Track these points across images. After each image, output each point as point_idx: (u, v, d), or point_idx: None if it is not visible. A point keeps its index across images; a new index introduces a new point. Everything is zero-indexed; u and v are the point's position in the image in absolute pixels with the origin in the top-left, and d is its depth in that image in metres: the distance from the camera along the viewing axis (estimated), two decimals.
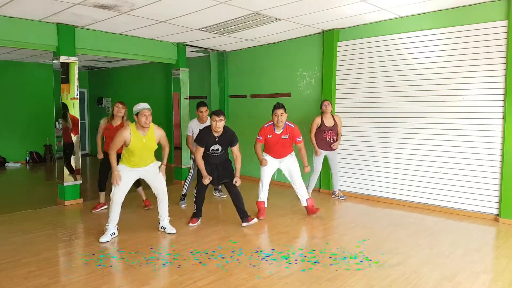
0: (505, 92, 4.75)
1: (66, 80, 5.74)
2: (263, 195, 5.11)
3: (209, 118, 5.44)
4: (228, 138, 4.64)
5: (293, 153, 5.15)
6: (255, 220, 4.80)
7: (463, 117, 5.13)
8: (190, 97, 7.68)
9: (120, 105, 5.25)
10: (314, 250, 3.95)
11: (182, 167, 7.50)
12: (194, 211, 4.81)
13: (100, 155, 5.35)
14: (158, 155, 4.43)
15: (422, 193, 5.54)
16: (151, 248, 4.00)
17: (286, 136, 4.94)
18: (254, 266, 3.56)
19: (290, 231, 4.57)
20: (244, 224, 4.71)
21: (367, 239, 4.24)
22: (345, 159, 6.31)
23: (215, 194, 6.34)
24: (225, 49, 7.98)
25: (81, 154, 6.23)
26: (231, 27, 5.97)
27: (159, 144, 4.38)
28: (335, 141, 5.86)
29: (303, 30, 6.31)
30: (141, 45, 6.84)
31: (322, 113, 5.84)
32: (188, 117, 7.48)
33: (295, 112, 6.91)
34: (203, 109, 5.57)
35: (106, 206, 5.39)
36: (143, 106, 4.10)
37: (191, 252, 3.88)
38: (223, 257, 3.75)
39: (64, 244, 4.16)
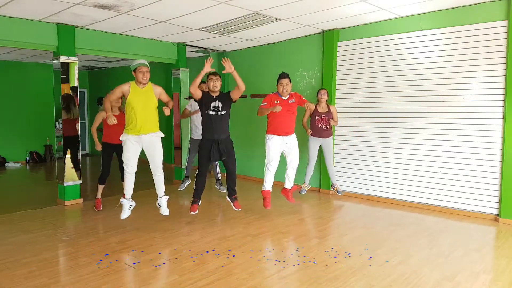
0: (505, 92, 4.75)
1: (66, 80, 5.74)
2: (269, 183, 5.07)
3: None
4: (226, 94, 4.72)
5: (294, 134, 5.12)
6: (238, 209, 4.92)
7: (463, 117, 5.13)
8: (190, 97, 7.67)
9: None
10: (314, 250, 3.95)
11: (182, 167, 7.50)
12: (194, 194, 4.84)
13: (99, 146, 5.33)
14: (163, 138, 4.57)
15: (422, 193, 5.54)
16: (151, 247, 4.00)
17: (293, 100, 4.97)
18: (254, 266, 3.56)
19: (290, 231, 4.57)
20: (228, 200, 4.96)
21: (367, 239, 4.25)
22: (345, 159, 6.31)
23: (216, 186, 6.45)
24: (225, 49, 7.98)
25: (81, 154, 6.22)
26: (231, 27, 5.97)
27: (160, 109, 4.39)
28: (328, 129, 5.88)
29: (303, 30, 6.31)
30: (141, 45, 6.84)
31: (317, 102, 5.93)
32: (188, 116, 7.47)
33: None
34: (204, 85, 5.51)
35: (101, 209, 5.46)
36: (139, 62, 4.20)
37: (192, 252, 3.88)
38: (223, 257, 3.75)
39: (64, 244, 4.16)
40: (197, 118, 5.77)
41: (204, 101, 4.64)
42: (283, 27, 6.05)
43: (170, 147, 8.22)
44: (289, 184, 5.22)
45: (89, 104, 12.22)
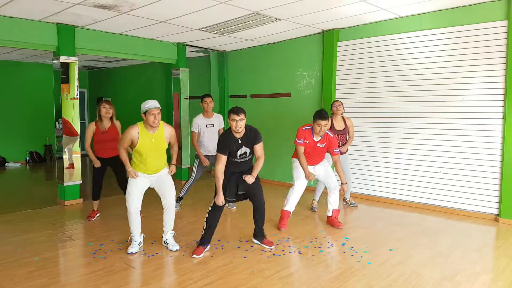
0: (505, 92, 4.75)
1: (66, 80, 5.74)
2: (291, 205, 4.68)
3: (215, 115, 5.32)
4: (253, 136, 3.82)
5: (325, 160, 4.78)
6: (271, 247, 4.02)
7: (463, 117, 5.13)
8: (190, 97, 7.68)
9: (107, 106, 4.81)
10: (314, 250, 3.95)
11: (182, 167, 7.51)
12: (203, 234, 3.89)
13: (97, 164, 4.87)
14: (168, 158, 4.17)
15: (422, 193, 5.54)
16: (151, 247, 4.00)
17: (323, 145, 4.54)
18: (254, 266, 3.56)
19: (290, 231, 4.57)
20: (255, 241, 4.13)
21: (367, 239, 4.25)
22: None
23: (227, 207, 5.59)
24: (225, 49, 7.98)
25: (81, 154, 6.22)
26: (231, 27, 5.97)
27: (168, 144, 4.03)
28: (345, 144, 5.43)
29: (303, 30, 6.31)
30: (141, 45, 6.84)
31: (332, 115, 5.33)
32: (188, 117, 7.48)
33: (295, 112, 6.92)
34: (208, 99, 5.25)
35: (99, 214, 5.14)
36: (151, 104, 3.66)
37: (192, 252, 3.88)
38: (223, 257, 3.75)
39: (64, 244, 4.16)
40: (203, 137, 5.29)
41: (228, 147, 3.75)
42: (283, 27, 6.05)
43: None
44: (331, 211, 4.78)
45: (89, 104, 12.22)
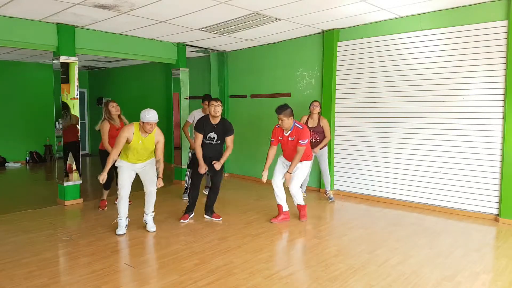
0: (505, 92, 4.75)
1: (66, 80, 5.74)
2: (279, 198, 4.92)
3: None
4: (225, 127, 4.76)
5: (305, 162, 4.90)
6: (219, 218, 4.95)
7: (463, 117, 5.13)
8: (190, 97, 7.68)
9: (115, 104, 5.23)
10: (314, 250, 3.95)
11: (182, 167, 7.50)
12: (188, 204, 4.94)
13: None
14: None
15: (422, 193, 5.54)
16: (151, 247, 4.01)
17: (293, 138, 4.75)
18: (254, 266, 3.56)
19: (290, 231, 4.57)
20: (206, 217, 5.02)
21: (367, 239, 4.25)
22: (345, 159, 6.31)
23: (204, 192, 6.17)
24: (225, 49, 7.98)
25: (81, 154, 6.22)
26: (231, 27, 5.97)
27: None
28: (318, 142, 5.74)
29: (303, 30, 6.31)
30: (141, 45, 6.84)
31: (310, 113, 5.79)
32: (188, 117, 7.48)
33: (295, 112, 6.88)
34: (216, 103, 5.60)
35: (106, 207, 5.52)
36: (151, 116, 4.07)
37: (192, 252, 3.88)
38: (223, 257, 3.75)
39: (64, 244, 4.16)
40: None
41: (203, 128, 4.75)
42: (283, 27, 6.05)
43: (170, 147, 8.23)
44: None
45: (89, 104, 12.23)
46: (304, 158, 4.82)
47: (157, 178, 4.39)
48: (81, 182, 6.02)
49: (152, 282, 3.25)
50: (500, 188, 4.86)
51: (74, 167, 5.88)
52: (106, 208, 5.49)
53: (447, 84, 5.23)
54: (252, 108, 7.76)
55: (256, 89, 7.68)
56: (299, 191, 4.90)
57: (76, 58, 5.84)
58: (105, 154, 5.16)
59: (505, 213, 4.82)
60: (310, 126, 5.69)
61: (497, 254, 3.98)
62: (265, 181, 4.84)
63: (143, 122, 4.10)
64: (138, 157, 4.33)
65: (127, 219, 4.52)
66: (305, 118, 5.79)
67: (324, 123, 5.75)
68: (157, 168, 4.42)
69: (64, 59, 5.70)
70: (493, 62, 4.86)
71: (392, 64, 5.71)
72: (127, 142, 4.20)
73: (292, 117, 4.71)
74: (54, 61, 5.84)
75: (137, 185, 4.67)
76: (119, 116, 5.26)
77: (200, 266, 3.55)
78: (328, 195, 6.01)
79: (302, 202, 4.95)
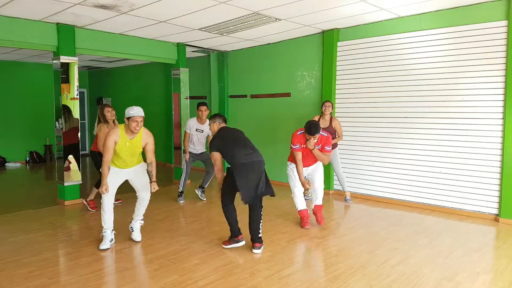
0: (505, 92, 4.75)
1: (66, 80, 5.74)
2: (301, 204, 4.72)
3: (207, 121, 5.51)
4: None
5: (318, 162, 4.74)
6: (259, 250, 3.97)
7: (463, 117, 5.13)
8: (190, 97, 7.68)
9: (111, 109, 5.18)
10: (314, 250, 3.95)
11: (182, 167, 7.49)
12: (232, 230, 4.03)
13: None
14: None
15: (422, 193, 5.54)
16: (151, 247, 4.00)
17: (319, 146, 4.54)
18: (254, 266, 3.56)
19: (290, 231, 4.57)
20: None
21: (367, 239, 4.25)
22: (345, 159, 6.31)
23: (196, 191, 6.17)
24: (225, 49, 7.98)
25: (81, 154, 6.22)
26: (231, 27, 5.97)
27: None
28: None
29: (303, 30, 6.31)
30: (141, 45, 6.84)
31: (322, 114, 5.73)
32: (188, 117, 7.47)
33: (295, 112, 6.92)
34: (203, 108, 5.73)
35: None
36: (135, 111, 3.77)
37: (191, 252, 3.88)
38: (223, 257, 3.75)
39: (64, 244, 4.16)
40: (193, 138, 5.87)
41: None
42: (283, 27, 6.05)
43: (170, 147, 8.24)
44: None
45: (89, 104, 12.23)
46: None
47: (151, 182, 4.05)
48: (81, 182, 6.02)
49: (152, 282, 3.25)
50: (500, 188, 4.86)
51: (74, 167, 5.88)
52: (97, 209, 5.26)
53: (447, 84, 5.24)
54: (252, 108, 7.76)
55: (256, 89, 7.68)
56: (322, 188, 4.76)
57: (76, 58, 5.84)
58: (96, 155, 5.23)
59: (505, 213, 4.82)
60: (321, 126, 5.41)
61: (497, 254, 3.98)
62: (310, 186, 4.61)
63: (128, 119, 3.78)
64: (125, 161, 3.97)
65: (113, 232, 4.10)
66: (316, 118, 5.74)
67: (336, 123, 5.69)
68: (149, 172, 4.07)
69: (64, 59, 5.70)
70: (493, 62, 4.86)
71: (392, 64, 5.71)
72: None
73: None
74: (54, 61, 5.84)
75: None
76: (113, 121, 5.21)
77: (200, 266, 3.55)
78: (345, 197, 5.94)
79: (321, 202, 4.80)
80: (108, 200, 3.96)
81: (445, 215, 5.18)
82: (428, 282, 3.21)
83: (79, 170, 5.94)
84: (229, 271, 3.44)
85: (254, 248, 3.88)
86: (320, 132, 4.45)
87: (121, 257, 3.79)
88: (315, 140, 4.42)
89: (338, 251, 3.93)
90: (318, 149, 4.54)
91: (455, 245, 4.07)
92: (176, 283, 3.21)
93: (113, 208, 4.06)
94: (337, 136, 5.75)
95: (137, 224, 4.22)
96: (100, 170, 5.16)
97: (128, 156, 3.97)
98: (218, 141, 3.92)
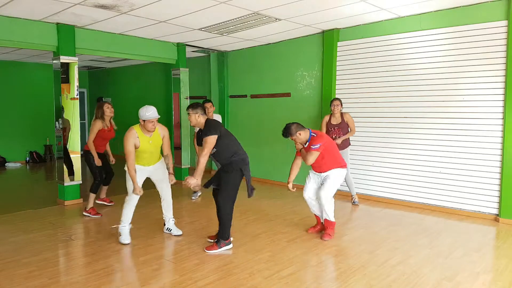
0: (505, 92, 4.75)
1: (66, 80, 5.74)
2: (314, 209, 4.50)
3: (214, 115, 5.69)
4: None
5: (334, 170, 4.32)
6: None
7: (463, 117, 5.13)
8: (190, 97, 7.68)
9: (111, 106, 5.24)
10: (314, 250, 3.95)
11: (182, 167, 7.50)
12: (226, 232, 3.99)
13: (99, 162, 5.20)
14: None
15: (422, 193, 5.54)
16: (151, 247, 4.00)
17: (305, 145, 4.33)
18: (254, 266, 3.56)
19: (290, 231, 4.57)
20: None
21: (367, 239, 4.25)
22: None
23: (193, 197, 6.23)
24: (225, 49, 7.98)
25: (81, 154, 6.22)
26: (231, 27, 5.97)
27: None
28: (339, 136, 5.59)
29: (303, 30, 6.31)
30: (141, 45, 6.84)
31: (331, 113, 5.69)
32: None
33: (295, 112, 6.92)
34: (208, 104, 5.70)
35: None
36: (151, 113, 3.90)
37: (192, 252, 3.88)
38: (223, 257, 3.75)
39: (64, 244, 4.16)
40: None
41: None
42: (283, 27, 6.05)
43: (171, 147, 8.23)
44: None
45: (89, 104, 12.22)
46: (336, 165, 4.30)
47: (168, 174, 4.26)
48: (81, 182, 6.02)
49: (152, 282, 3.25)
50: (500, 188, 4.86)
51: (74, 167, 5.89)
52: (101, 215, 5.20)
53: (447, 84, 5.23)
54: (252, 108, 7.76)
55: (256, 89, 7.68)
56: (331, 203, 4.29)
57: (76, 58, 5.84)
58: (89, 156, 5.22)
59: (505, 213, 4.82)
60: (334, 123, 5.64)
61: (497, 254, 3.98)
62: (293, 190, 4.41)
63: (144, 121, 3.91)
64: (148, 159, 4.12)
65: (130, 225, 4.22)
66: (327, 118, 5.72)
67: (348, 117, 5.65)
68: (166, 164, 4.29)
69: (64, 59, 5.70)
70: (493, 62, 4.86)
71: (392, 64, 5.71)
72: (135, 147, 3.98)
73: (301, 131, 4.17)
74: (54, 61, 5.84)
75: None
76: (110, 119, 5.27)
77: (200, 266, 3.55)
78: (353, 200, 5.85)
79: (332, 218, 4.30)
80: (136, 198, 4.14)
81: (445, 215, 5.18)
82: (428, 282, 3.21)
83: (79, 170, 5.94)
84: (229, 271, 3.44)
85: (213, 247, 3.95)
86: (296, 136, 4.18)
87: (121, 257, 3.79)
88: (297, 142, 4.26)
89: (338, 251, 3.93)
90: (305, 147, 4.30)
91: (455, 245, 4.07)
92: (176, 283, 3.21)
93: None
94: (349, 131, 5.68)
95: (171, 222, 4.45)
96: (93, 170, 5.27)
97: (151, 153, 4.13)
98: (225, 132, 3.99)
